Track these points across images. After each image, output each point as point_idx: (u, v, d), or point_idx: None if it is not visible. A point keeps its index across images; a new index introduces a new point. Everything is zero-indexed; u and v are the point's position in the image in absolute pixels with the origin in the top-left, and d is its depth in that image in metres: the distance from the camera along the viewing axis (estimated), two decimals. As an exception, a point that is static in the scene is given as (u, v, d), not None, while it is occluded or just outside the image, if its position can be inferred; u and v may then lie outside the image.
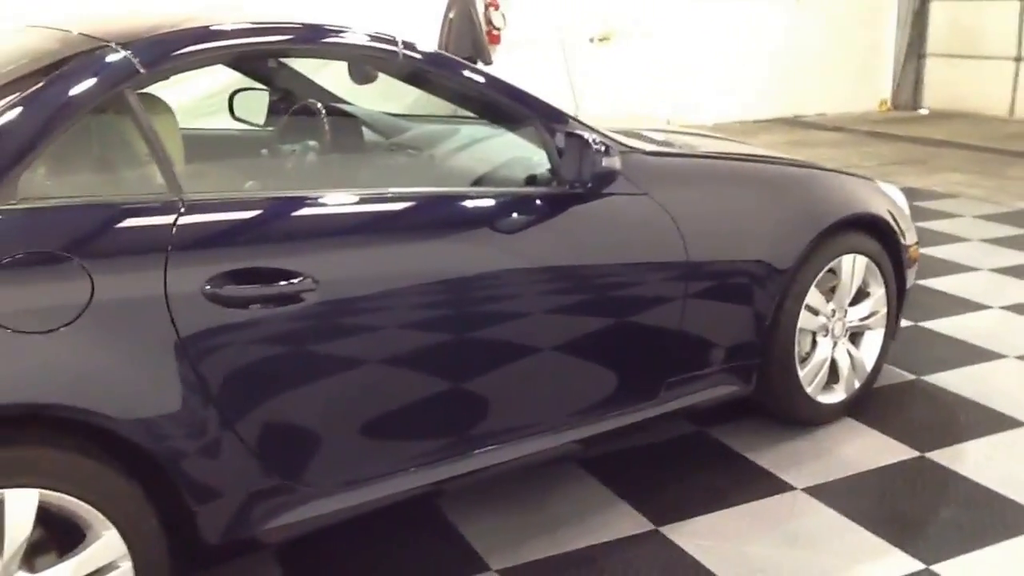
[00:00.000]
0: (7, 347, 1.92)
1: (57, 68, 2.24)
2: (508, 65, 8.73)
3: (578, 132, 2.68)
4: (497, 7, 9.76)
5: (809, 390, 3.39)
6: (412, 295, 2.45)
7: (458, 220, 2.63)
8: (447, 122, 3.47)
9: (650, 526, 2.90)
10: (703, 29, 10.99)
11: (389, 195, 2.57)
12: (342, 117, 3.36)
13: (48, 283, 1.99)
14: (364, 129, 3.43)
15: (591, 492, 3.09)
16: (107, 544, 2.04)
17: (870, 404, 3.63)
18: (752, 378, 3.23)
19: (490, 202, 2.70)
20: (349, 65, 3.25)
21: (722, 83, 11.21)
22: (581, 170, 2.68)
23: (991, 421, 3.53)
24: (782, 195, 3.27)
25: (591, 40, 10.45)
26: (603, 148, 2.64)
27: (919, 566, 2.68)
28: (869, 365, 3.58)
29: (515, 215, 2.68)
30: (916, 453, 3.30)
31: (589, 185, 2.70)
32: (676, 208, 2.93)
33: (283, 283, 2.24)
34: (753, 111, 11.50)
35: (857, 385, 3.55)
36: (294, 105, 3.31)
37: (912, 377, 3.91)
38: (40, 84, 2.18)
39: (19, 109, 2.12)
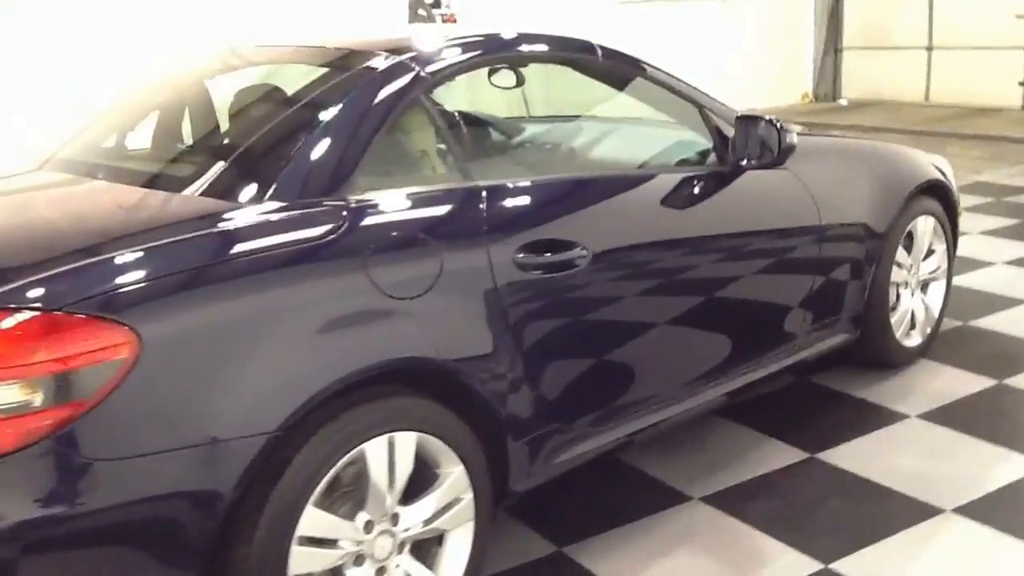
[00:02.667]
0: (391, 312, 2.29)
1: (354, 81, 2.62)
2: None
3: (760, 116, 3.16)
4: (455, 22, 10.16)
5: (898, 335, 3.93)
6: (654, 261, 2.91)
7: (671, 194, 3.05)
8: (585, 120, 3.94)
9: (805, 455, 3.37)
10: (641, 33, 11.63)
11: (628, 176, 3.06)
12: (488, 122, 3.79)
13: (414, 259, 2.37)
14: (491, 129, 3.84)
15: (740, 434, 3.55)
16: (457, 479, 2.41)
17: (938, 346, 4.19)
18: (858, 327, 3.75)
19: (697, 179, 3.16)
20: (490, 72, 3.66)
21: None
22: (749, 148, 3.14)
23: (1045, 351, 4.14)
24: (876, 167, 3.81)
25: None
26: (784, 127, 3.12)
27: (1038, 463, 3.24)
28: (936, 312, 4.14)
29: (711, 189, 3.15)
30: (995, 381, 3.86)
31: (761, 160, 3.15)
32: (809, 180, 3.43)
33: (565, 253, 2.65)
34: (690, 108, 12.21)
35: (928, 330, 4.11)
36: None
37: (960, 323, 4.50)
38: (353, 95, 2.56)
39: (346, 119, 2.49)
